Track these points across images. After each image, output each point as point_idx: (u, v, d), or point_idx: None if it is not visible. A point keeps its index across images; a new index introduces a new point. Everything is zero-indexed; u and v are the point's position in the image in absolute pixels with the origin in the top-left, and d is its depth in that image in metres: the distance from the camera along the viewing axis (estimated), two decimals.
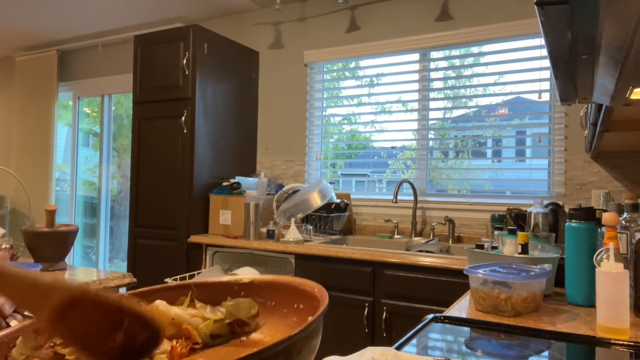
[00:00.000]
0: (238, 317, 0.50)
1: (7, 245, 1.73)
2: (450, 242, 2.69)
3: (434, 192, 2.98)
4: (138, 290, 0.53)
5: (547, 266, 1.38)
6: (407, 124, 3.07)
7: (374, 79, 3.25)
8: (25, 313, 0.53)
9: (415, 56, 3.02)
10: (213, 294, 0.53)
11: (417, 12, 2.97)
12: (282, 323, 0.51)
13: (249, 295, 0.53)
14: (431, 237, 2.73)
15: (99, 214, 4.30)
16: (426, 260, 2.15)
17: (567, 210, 1.76)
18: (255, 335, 0.51)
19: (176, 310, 0.48)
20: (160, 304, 0.48)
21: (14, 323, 0.52)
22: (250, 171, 3.41)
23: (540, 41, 2.63)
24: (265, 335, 0.50)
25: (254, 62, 3.47)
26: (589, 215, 1.37)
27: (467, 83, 2.91)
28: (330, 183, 3.10)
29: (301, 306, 0.50)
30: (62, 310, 0.38)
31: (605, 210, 1.78)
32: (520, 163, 2.95)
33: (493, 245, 1.68)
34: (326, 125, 3.37)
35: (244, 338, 0.50)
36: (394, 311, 2.20)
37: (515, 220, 2.19)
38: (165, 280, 2.47)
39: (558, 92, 0.97)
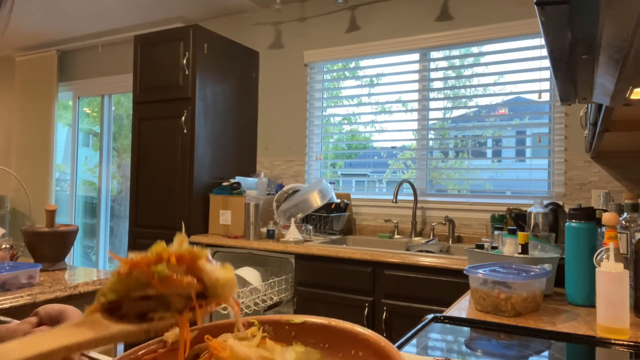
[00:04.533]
0: None
1: (7, 245, 1.73)
2: (450, 242, 2.69)
3: (434, 192, 2.98)
4: (198, 326, 0.52)
5: (547, 266, 1.38)
6: (407, 124, 3.07)
7: (374, 79, 3.25)
8: (92, 355, 0.57)
9: (415, 56, 3.02)
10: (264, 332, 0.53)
11: (417, 12, 2.97)
12: None
13: (300, 336, 0.53)
14: (431, 237, 2.73)
15: (99, 214, 4.30)
16: (426, 260, 2.15)
17: (567, 210, 1.76)
18: None
19: (248, 353, 0.47)
20: (234, 344, 0.48)
21: None
22: (250, 171, 3.41)
23: (540, 41, 2.63)
24: None
25: (254, 62, 3.47)
26: (589, 215, 1.37)
27: (467, 83, 2.91)
28: (330, 183, 3.10)
29: (360, 353, 0.50)
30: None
31: (605, 210, 1.78)
32: (520, 163, 2.95)
33: (493, 245, 1.68)
34: (326, 125, 3.37)
35: None
36: (394, 311, 2.20)
37: (515, 220, 2.18)
38: None
39: (558, 92, 0.97)
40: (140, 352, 0.49)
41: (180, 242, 0.45)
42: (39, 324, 0.57)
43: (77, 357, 0.54)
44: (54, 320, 0.57)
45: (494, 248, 1.66)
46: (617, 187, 2.43)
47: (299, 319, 0.54)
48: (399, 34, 3.02)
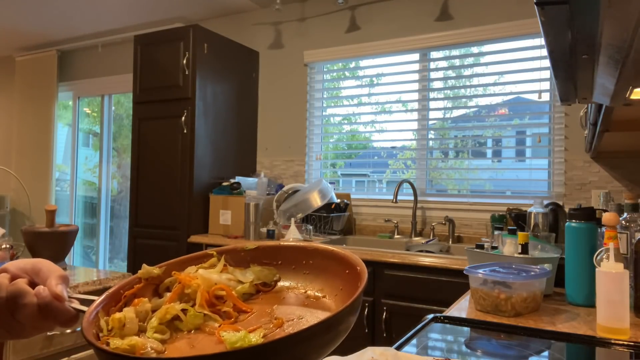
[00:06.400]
0: (265, 281, 0.58)
1: (7, 245, 1.73)
2: (450, 242, 2.69)
3: (434, 192, 2.98)
4: (165, 263, 0.60)
5: (547, 266, 1.38)
6: (407, 124, 3.06)
7: (374, 79, 3.25)
8: (74, 295, 0.57)
9: (415, 56, 3.02)
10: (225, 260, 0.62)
11: (417, 12, 2.97)
12: (294, 277, 0.59)
13: (255, 259, 0.61)
14: (431, 237, 2.73)
15: (99, 214, 4.30)
16: (426, 260, 2.15)
17: (567, 210, 1.76)
18: (275, 290, 0.60)
19: (216, 278, 0.55)
20: (203, 273, 0.55)
21: (78, 306, 0.56)
22: (250, 171, 3.41)
23: (540, 41, 2.63)
24: (286, 288, 0.59)
25: (254, 62, 3.47)
26: (589, 215, 1.37)
27: (467, 83, 2.91)
28: (330, 183, 3.10)
29: (311, 262, 0.58)
30: None
31: (605, 210, 1.78)
32: (520, 163, 2.95)
33: (493, 245, 1.68)
34: (326, 125, 3.37)
35: (266, 295, 0.59)
36: (394, 311, 2.20)
37: (515, 220, 2.18)
38: None
39: (558, 92, 0.97)
40: (121, 290, 0.55)
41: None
42: (13, 278, 0.57)
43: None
44: (30, 273, 0.57)
45: (494, 248, 1.66)
46: (617, 187, 2.43)
47: (252, 244, 0.62)
48: (399, 34, 3.02)
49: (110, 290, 0.55)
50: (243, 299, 0.55)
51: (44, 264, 0.58)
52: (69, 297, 0.56)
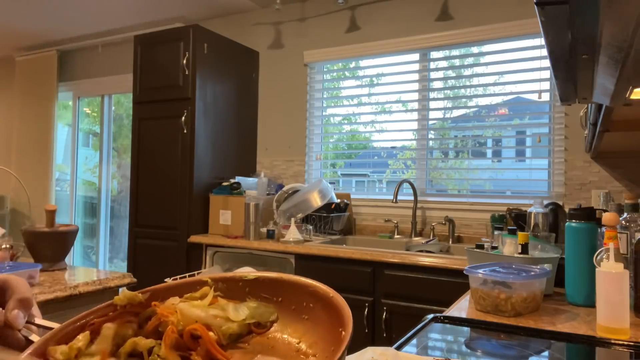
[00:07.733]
0: (259, 320, 0.50)
1: (7, 245, 1.73)
2: (450, 242, 2.69)
3: (434, 192, 2.98)
4: (150, 288, 0.53)
5: (547, 266, 1.38)
6: (407, 124, 3.06)
7: (374, 79, 3.25)
8: (37, 322, 0.53)
9: (415, 56, 3.02)
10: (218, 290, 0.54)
11: (417, 12, 2.97)
12: (292, 319, 0.51)
13: (253, 292, 0.53)
14: (431, 237, 2.73)
15: (99, 214, 4.30)
16: (426, 260, 2.15)
17: (567, 210, 1.76)
18: (269, 332, 0.52)
19: (198, 313, 0.48)
20: (183, 307, 0.48)
21: (34, 337, 0.51)
22: (250, 171, 3.41)
23: (540, 41, 2.63)
24: (280, 332, 0.51)
25: (254, 62, 3.47)
26: (589, 215, 1.37)
27: (467, 83, 2.91)
28: (330, 183, 3.10)
29: (311, 305, 0.50)
30: None
31: (605, 210, 1.77)
32: (520, 163, 2.95)
33: (493, 245, 1.68)
34: (326, 125, 3.37)
35: (258, 337, 0.51)
36: (394, 311, 2.20)
37: (515, 220, 2.18)
38: (165, 280, 2.47)
39: (558, 92, 0.97)
40: (91, 317, 0.48)
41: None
42: None
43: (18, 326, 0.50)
44: None
45: (494, 248, 1.66)
46: (617, 187, 2.43)
47: (252, 275, 0.54)
48: (399, 34, 3.02)
49: (76, 318, 0.47)
50: (230, 340, 0.48)
51: (12, 283, 0.53)
52: (31, 323, 0.51)
